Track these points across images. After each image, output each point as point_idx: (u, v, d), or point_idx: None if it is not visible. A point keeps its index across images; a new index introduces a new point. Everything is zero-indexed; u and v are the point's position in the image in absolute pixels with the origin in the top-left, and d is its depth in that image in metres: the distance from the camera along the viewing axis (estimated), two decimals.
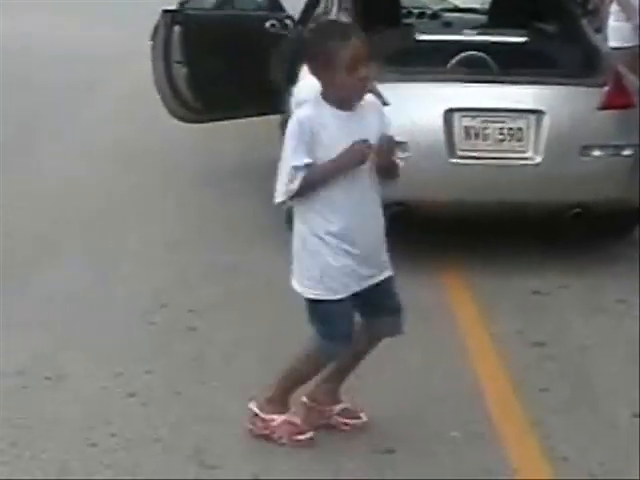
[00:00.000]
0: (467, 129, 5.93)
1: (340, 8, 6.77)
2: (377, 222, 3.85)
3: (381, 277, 3.85)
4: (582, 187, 5.94)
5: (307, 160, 3.60)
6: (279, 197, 3.69)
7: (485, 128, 5.95)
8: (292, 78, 6.20)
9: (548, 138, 5.90)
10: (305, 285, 3.82)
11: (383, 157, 3.70)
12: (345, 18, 6.56)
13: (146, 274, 5.93)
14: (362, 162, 3.62)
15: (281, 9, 7.54)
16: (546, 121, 5.91)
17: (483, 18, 7.85)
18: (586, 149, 5.92)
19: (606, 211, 6.12)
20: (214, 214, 7.02)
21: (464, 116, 5.92)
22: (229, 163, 8.14)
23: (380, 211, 3.85)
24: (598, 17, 8.82)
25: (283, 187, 3.64)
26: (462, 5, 8.13)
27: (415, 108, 5.85)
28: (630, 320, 5.33)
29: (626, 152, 6.03)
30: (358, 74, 3.61)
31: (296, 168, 3.60)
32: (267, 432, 3.92)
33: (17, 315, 5.21)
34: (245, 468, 3.80)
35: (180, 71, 7.34)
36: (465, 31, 7.39)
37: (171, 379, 4.55)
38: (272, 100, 6.80)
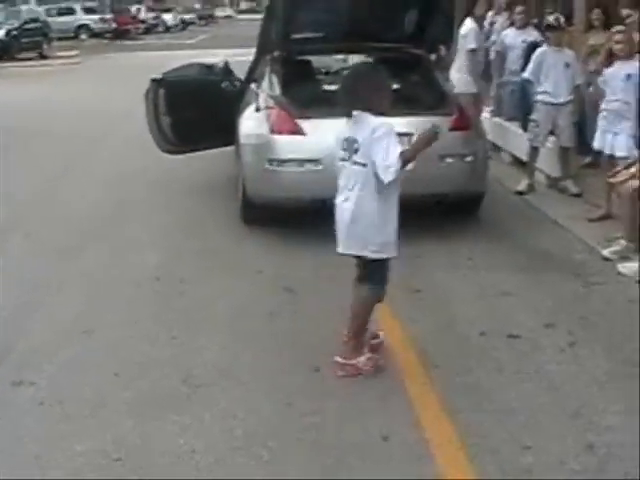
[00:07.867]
0: None
1: (272, 71, 6.73)
2: None
3: None
4: (441, 183, 5.99)
5: (402, 149, 3.61)
6: (391, 176, 3.58)
7: None
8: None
9: None
10: (384, 251, 3.75)
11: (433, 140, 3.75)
12: (275, 79, 6.54)
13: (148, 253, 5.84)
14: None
15: (232, 74, 7.53)
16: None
17: None
18: (442, 157, 5.95)
19: (457, 198, 6.20)
20: (190, 213, 6.91)
21: None
22: (198, 180, 8.01)
23: None
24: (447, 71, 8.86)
25: (395, 167, 3.56)
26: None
27: (327, 134, 5.76)
28: (473, 272, 5.38)
29: (468, 159, 6.12)
30: (390, 93, 3.94)
31: (400, 154, 3.56)
32: (357, 372, 3.80)
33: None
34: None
35: (165, 120, 7.29)
36: None
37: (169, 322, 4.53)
38: (227, 136, 6.79)
